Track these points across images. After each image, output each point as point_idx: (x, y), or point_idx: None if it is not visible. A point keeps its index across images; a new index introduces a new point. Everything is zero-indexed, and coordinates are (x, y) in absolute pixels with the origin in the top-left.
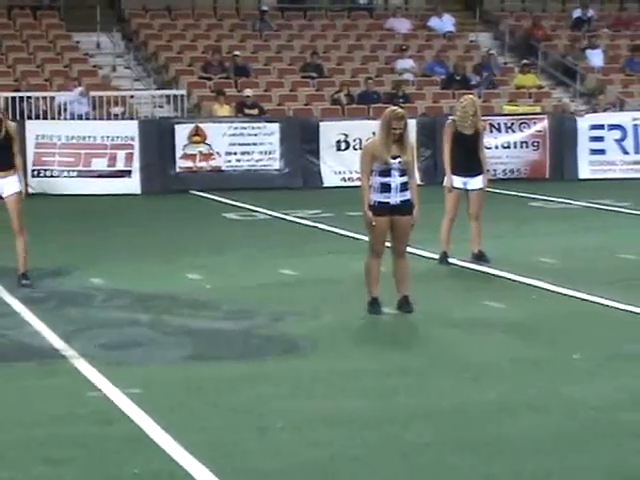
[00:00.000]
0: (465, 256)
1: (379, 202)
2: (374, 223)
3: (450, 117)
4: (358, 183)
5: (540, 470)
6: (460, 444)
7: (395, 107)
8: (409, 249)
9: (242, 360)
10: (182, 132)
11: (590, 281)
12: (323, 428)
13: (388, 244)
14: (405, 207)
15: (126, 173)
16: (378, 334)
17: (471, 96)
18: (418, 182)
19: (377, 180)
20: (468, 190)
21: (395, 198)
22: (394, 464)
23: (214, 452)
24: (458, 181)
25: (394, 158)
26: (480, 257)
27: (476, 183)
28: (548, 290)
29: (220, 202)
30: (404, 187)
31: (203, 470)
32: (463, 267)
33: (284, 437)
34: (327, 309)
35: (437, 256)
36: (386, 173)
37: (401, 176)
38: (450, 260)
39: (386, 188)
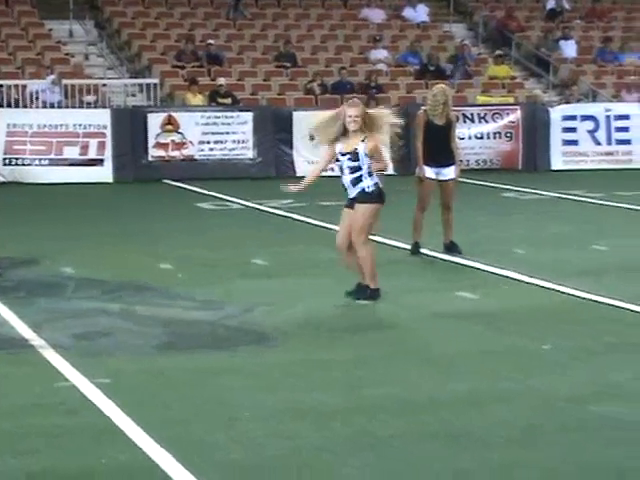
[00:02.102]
0: (437, 246)
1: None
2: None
3: (422, 107)
4: (331, 173)
5: (509, 462)
6: (429, 435)
7: (353, 98)
8: (381, 239)
9: (212, 351)
10: (155, 121)
11: (561, 272)
12: (292, 420)
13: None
14: (360, 196)
15: (98, 162)
16: (348, 325)
17: (442, 85)
18: (392, 172)
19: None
20: (440, 180)
21: (352, 193)
22: (362, 456)
23: (182, 443)
24: (430, 171)
25: (344, 155)
26: (451, 248)
27: (448, 173)
28: (519, 281)
29: (193, 191)
30: (357, 181)
31: (171, 461)
32: (435, 257)
33: (252, 429)
34: (298, 300)
35: (409, 246)
36: (340, 170)
37: (351, 173)
38: (422, 250)
39: (344, 187)
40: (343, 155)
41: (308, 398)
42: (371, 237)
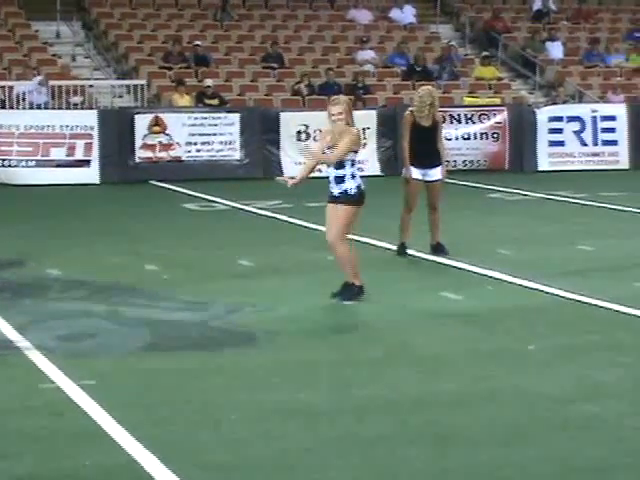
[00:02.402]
0: (423, 247)
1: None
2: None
3: (409, 108)
4: (318, 174)
5: (495, 462)
6: (415, 436)
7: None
8: (368, 240)
9: (197, 352)
10: (142, 122)
11: (547, 272)
12: (278, 420)
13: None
14: (340, 197)
15: (85, 163)
16: (334, 325)
17: (429, 87)
18: (378, 173)
19: (352, 170)
20: (426, 181)
21: (333, 190)
22: (349, 456)
23: (168, 445)
24: (416, 172)
25: (329, 148)
26: (438, 248)
27: (435, 174)
28: (505, 281)
29: (180, 192)
30: (339, 180)
31: (155, 462)
32: (421, 258)
33: (238, 430)
34: (284, 300)
35: (395, 247)
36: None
37: (336, 169)
38: (408, 251)
39: (328, 180)
40: (329, 149)
41: (294, 399)
42: (350, 236)
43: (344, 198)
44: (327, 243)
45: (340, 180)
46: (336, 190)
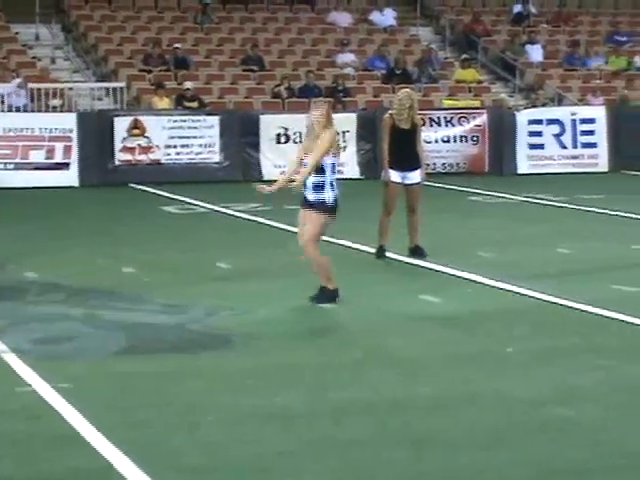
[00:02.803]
0: (402, 250)
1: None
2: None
3: (388, 111)
4: (297, 176)
5: (473, 465)
6: (393, 439)
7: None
8: (347, 243)
9: (175, 355)
10: (121, 125)
11: (526, 275)
12: (255, 423)
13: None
14: (314, 203)
15: (64, 165)
16: (312, 328)
17: (408, 90)
18: (358, 176)
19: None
20: (406, 184)
21: (308, 195)
22: (326, 459)
23: (144, 448)
24: (396, 175)
25: (306, 154)
26: (416, 251)
27: (414, 177)
28: (484, 284)
29: (159, 195)
30: (316, 185)
31: (131, 465)
32: (400, 261)
33: (215, 433)
34: (262, 303)
35: (374, 250)
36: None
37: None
38: (387, 254)
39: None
40: (306, 155)
41: (271, 402)
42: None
43: (320, 206)
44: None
45: (319, 188)
46: (312, 196)
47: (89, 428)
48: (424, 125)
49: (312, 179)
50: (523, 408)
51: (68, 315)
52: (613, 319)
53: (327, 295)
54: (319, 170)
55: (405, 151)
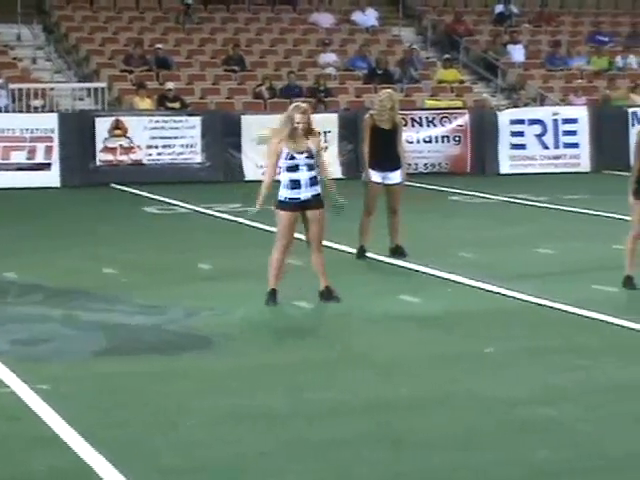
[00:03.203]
0: (382, 250)
1: (289, 198)
2: (280, 220)
3: (369, 111)
4: (279, 177)
5: (450, 465)
6: (370, 440)
7: (298, 102)
8: (327, 243)
9: (154, 355)
10: (103, 125)
11: (506, 275)
12: (233, 424)
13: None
14: (315, 201)
15: (45, 166)
16: (292, 329)
17: (389, 90)
18: (340, 176)
19: (286, 176)
20: (387, 184)
21: (306, 193)
22: (303, 460)
23: (123, 449)
24: (376, 176)
25: (300, 153)
26: (397, 251)
27: (395, 177)
28: (464, 284)
29: (140, 196)
30: (313, 181)
31: (108, 467)
32: (380, 261)
33: (194, 434)
34: (243, 304)
35: (355, 250)
36: (294, 168)
37: (309, 170)
38: (368, 254)
39: (296, 184)
40: (300, 153)
41: (249, 403)
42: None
43: (318, 201)
44: (315, 250)
45: (313, 181)
46: (308, 193)
47: (68, 429)
48: (406, 125)
49: (307, 174)
50: (502, 408)
51: (48, 316)
52: (594, 319)
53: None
54: (312, 165)
55: (386, 151)
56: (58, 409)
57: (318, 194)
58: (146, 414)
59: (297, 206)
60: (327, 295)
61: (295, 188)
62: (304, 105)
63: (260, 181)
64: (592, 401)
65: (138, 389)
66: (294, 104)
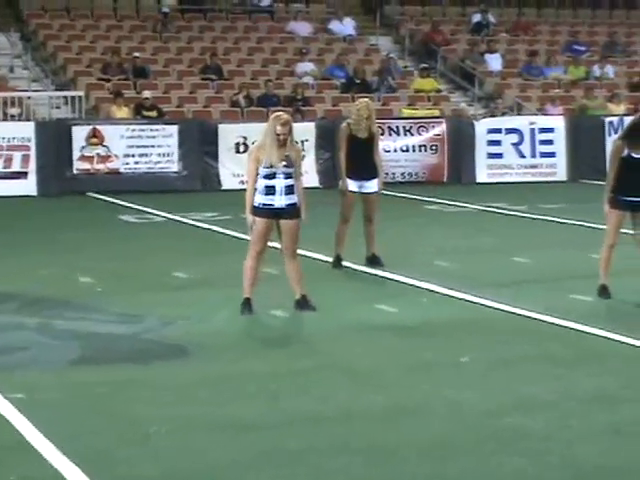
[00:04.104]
0: (359, 259)
1: (263, 204)
2: (254, 226)
3: (345, 120)
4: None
5: (424, 474)
6: (343, 449)
7: (280, 112)
8: (303, 252)
9: (128, 365)
10: (80, 134)
11: (482, 284)
12: (205, 434)
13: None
14: (291, 210)
15: (22, 175)
16: (267, 338)
17: (366, 99)
18: (317, 185)
19: (262, 183)
20: (363, 193)
21: (280, 201)
22: (276, 469)
23: (95, 458)
24: (353, 184)
25: (280, 162)
26: (373, 260)
27: (371, 186)
28: (440, 293)
29: (117, 204)
30: (289, 190)
31: (83, 477)
32: (356, 270)
33: (166, 443)
34: (218, 313)
35: (331, 259)
36: (271, 176)
37: (286, 179)
38: (344, 263)
39: (271, 190)
40: (279, 162)
41: (223, 412)
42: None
43: (294, 211)
44: (288, 258)
45: (290, 190)
46: (283, 201)
47: (40, 438)
48: (383, 134)
49: (284, 182)
50: (477, 418)
51: (23, 325)
52: (569, 328)
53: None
54: (290, 174)
55: (362, 160)
56: (32, 418)
57: (294, 203)
58: (120, 423)
59: (271, 213)
60: (303, 304)
61: (270, 194)
62: (286, 116)
63: (237, 190)
64: (566, 411)
65: (112, 398)
66: (275, 114)
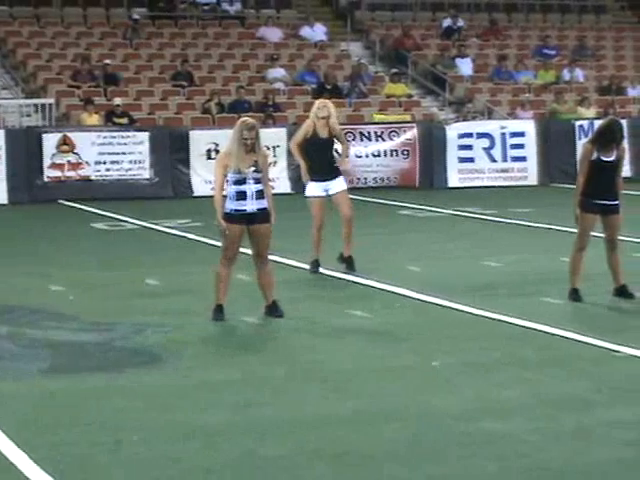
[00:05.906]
0: (333, 264)
1: (235, 210)
2: (227, 232)
3: (305, 121)
4: (225, 193)
5: (395, 479)
6: (315, 455)
7: (246, 118)
8: (277, 258)
9: (100, 373)
10: (50, 141)
11: (453, 288)
12: (178, 441)
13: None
14: (262, 215)
15: None
16: (240, 345)
17: (325, 100)
18: (288, 191)
19: (232, 188)
20: (330, 195)
21: (252, 206)
22: (248, 476)
23: (68, 467)
24: (319, 188)
25: (248, 167)
26: (348, 262)
27: (336, 186)
28: (412, 298)
29: (88, 212)
30: (260, 195)
31: None
32: (329, 275)
33: (138, 451)
34: (190, 320)
35: (306, 265)
36: (241, 182)
37: (256, 184)
38: (320, 268)
39: (242, 196)
40: (248, 168)
41: (195, 419)
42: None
43: (264, 216)
44: (260, 263)
45: (260, 194)
46: (254, 205)
47: (12, 447)
48: (354, 140)
49: (255, 187)
50: (447, 421)
51: None
52: (540, 332)
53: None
54: (259, 179)
55: (323, 161)
56: (3, 427)
57: (264, 208)
58: (91, 431)
59: (243, 218)
60: (274, 310)
61: (241, 199)
62: (252, 121)
63: (208, 196)
64: (537, 414)
65: (84, 407)
66: (241, 119)
